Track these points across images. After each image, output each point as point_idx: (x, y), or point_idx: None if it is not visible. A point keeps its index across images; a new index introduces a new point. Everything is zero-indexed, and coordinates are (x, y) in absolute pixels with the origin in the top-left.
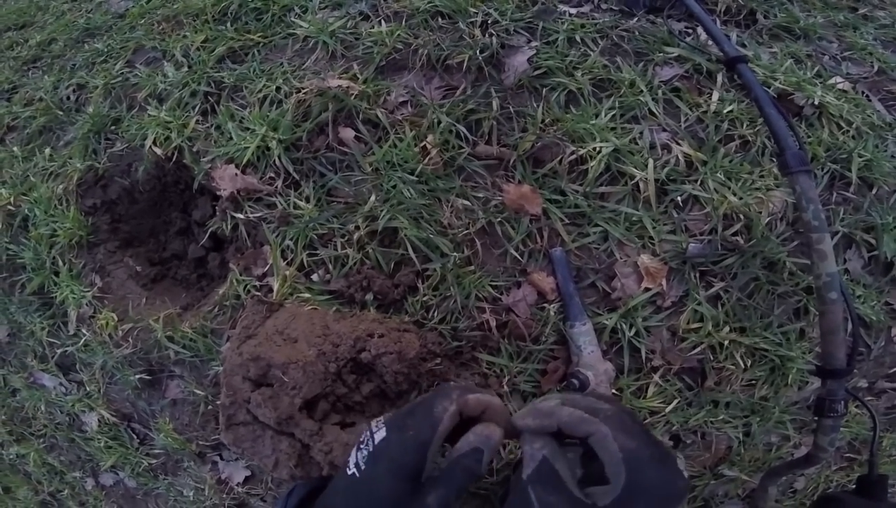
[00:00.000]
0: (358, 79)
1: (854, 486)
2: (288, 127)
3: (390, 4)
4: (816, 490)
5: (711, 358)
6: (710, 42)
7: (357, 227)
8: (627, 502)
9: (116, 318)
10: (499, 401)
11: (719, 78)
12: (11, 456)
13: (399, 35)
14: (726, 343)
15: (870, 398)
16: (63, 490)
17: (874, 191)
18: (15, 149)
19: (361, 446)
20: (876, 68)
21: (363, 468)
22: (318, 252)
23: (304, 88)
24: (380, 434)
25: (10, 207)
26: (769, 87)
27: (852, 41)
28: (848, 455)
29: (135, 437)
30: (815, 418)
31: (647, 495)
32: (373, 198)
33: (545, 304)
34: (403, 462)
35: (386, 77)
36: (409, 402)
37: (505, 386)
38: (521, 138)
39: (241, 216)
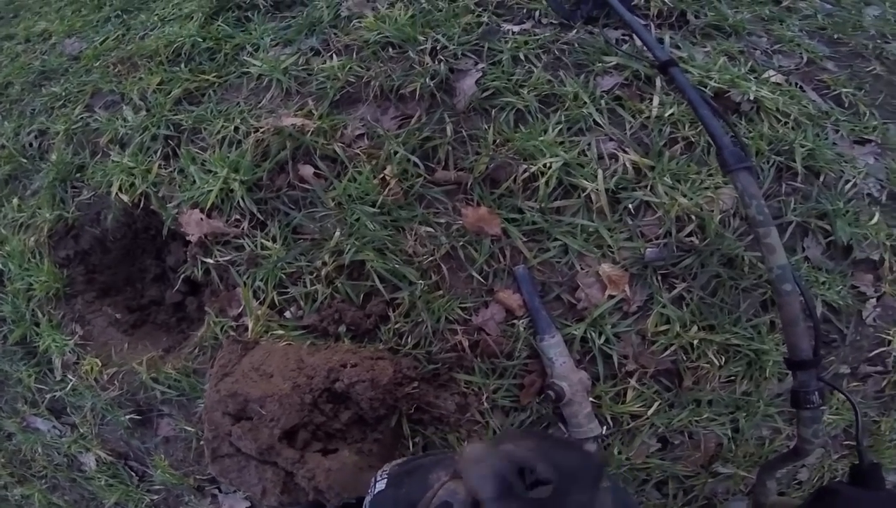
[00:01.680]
0: (313, 115)
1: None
2: (249, 167)
3: (340, 38)
4: (822, 479)
5: (684, 358)
6: (645, 48)
7: (324, 263)
8: (563, 488)
9: (101, 363)
10: None
11: (658, 82)
12: (16, 497)
13: (351, 68)
14: (696, 342)
15: (855, 384)
16: None
17: (821, 179)
18: None
19: (369, 491)
20: (805, 59)
21: None
22: (288, 290)
23: (261, 127)
24: (380, 486)
25: None
26: (705, 87)
27: (780, 34)
28: (846, 442)
29: (134, 475)
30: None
31: (578, 475)
32: (337, 232)
33: (514, 321)
34: None
35: (341, 111)
36: (415, 459)
37: (485, 403)
38: (475, 161)
39: (211, 261)
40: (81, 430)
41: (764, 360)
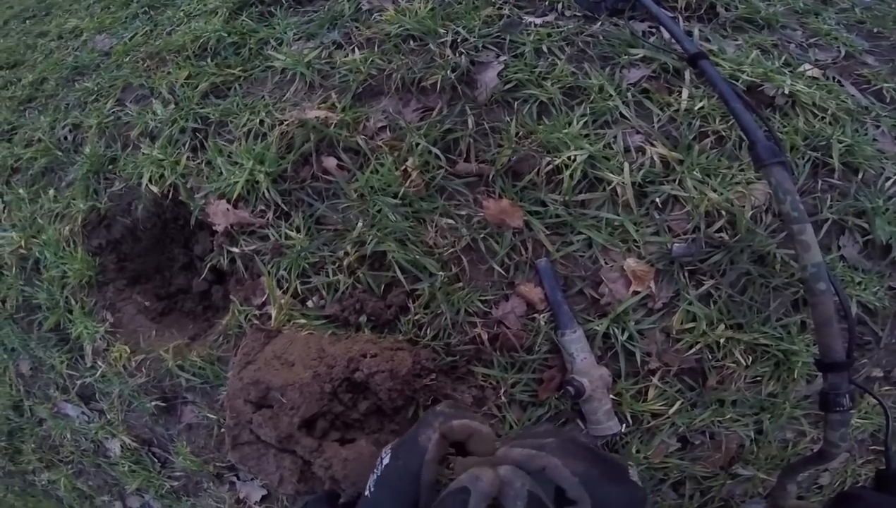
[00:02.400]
0: (336, 107)
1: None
2: (273, 159)
3: (362, 31)
4: (844, 484)
5: (710, 357)
6: (674, 40)
7: (347, 253)
8: None
9: (129, 350)
10: (485, 428)
11: (687, 75)
12: (43, 482)
13: (373, 61)
14: (723, 341)
15: (887, 387)
16: None
17: (860, 176)
18: (21, 191)
19: (375, 470)
20: (843, 53)
21: (373, 490)
22: (311, 279)
23: (285, 120)
24: (385, 461)
25: (21, 251)
26: (737, 80)
27: (816, 27)
28: (873, 447)
29: (156, 461)
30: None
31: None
32: (360, 223)
33: (535, 315)
34: (401, 488)
35: (363, 103)
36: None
37: (502, 397)
38: (497, 153)
39: (237, 250)
40: (109, 416)
41: (793, 361)
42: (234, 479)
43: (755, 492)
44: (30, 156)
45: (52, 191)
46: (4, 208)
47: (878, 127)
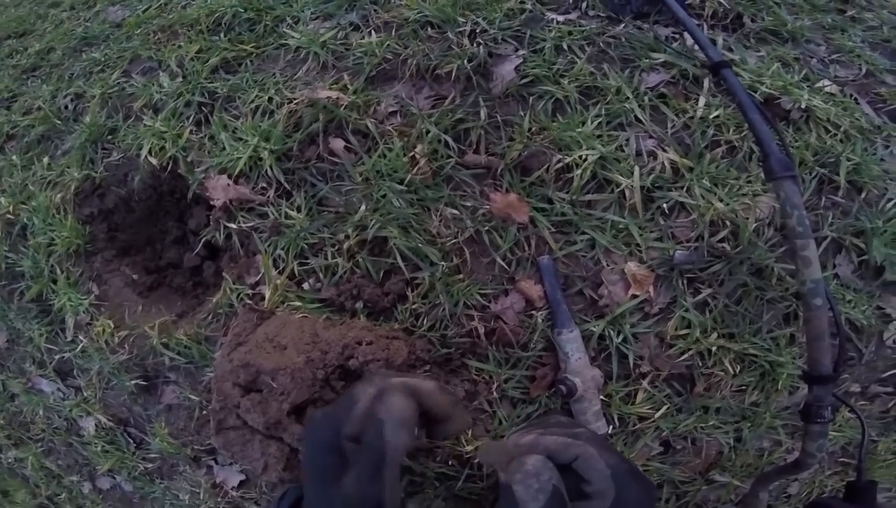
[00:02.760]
0: (348, 89)
1: (843, 493)
2: (279, 137)
3: (380, 15)
4: (811, 494)
5: (700, 363)
6: (696, 47)
7: (347, 237)
8: None
9: (113, 325)
10: (427, 384)
11: (706, 83)
12: (10, 460)
13: (389, 45)
14: (714, 349)
15: (862, 402)
16: (61, 494)
17: (863, 195)
18: (14, 157)
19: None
20: (864, 71)
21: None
22: (308, 261)
23: (295, 99)
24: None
25: (9, 216)
26: (756, 92)
27: (840, 43)
28: (842, 459)
29: (131, 441)
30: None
31: (631, 504)
32: (363, 207)
33: (533, 312)
34: (323, 438)
35: (376, 87)
36: None
37: (494, 393)
38: (508, 147)
39: (234, 226)
40: (85, 394)
41: (778, 372)
42: (212, 463)
43: (728, 499)
44: (27, 124)
45: (46, 159)
46: None
47: (887, 147)
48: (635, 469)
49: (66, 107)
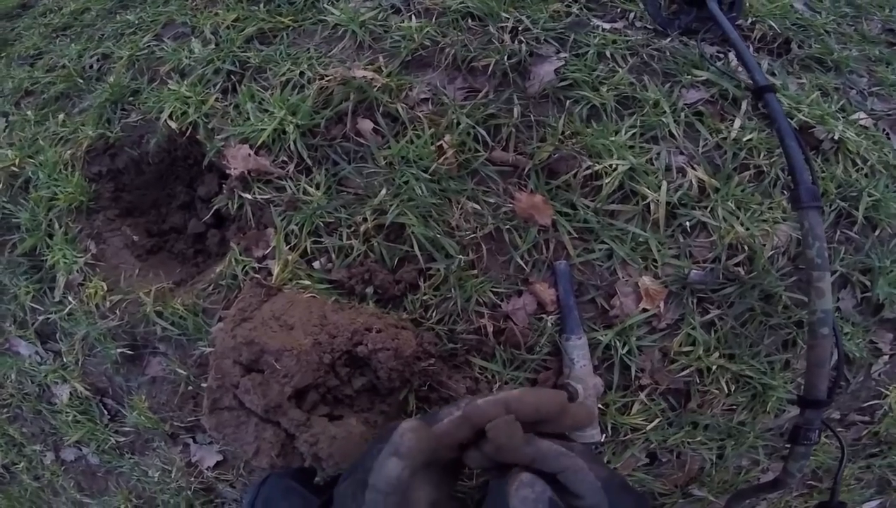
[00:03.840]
0: (382, 71)
1: None
2: (307, 112)
3: (423, 0)
4: None
5: (698, 380)
6: (739, 68)
7: (364, 219)
8: None
9: (106, 288)
10: (516, 393)
11: (744, 105)
12: None
13: (428, 32)
14: (714, 367)
15: (840, 429)
16: (19, 464)
17: (877, 233)
18: (29, 113)
19: None
20: None
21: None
22: (322, 240)
23: (327, 76)
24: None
25: (13, 168)
26: (792, 118)
27: (882, 76)
28: (810, 482)
29: (105, 413)
30: (788, 444)
31: None
32: (384, 191)
33: (543, 315)
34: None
35: (410, 72)
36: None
37: (495, 392)
38: (538, 148)
39: (249, 196)
40: (65, 359)
41: (769, 395)
42: (190, 441)
43: None
44: (48, 81)
45: (61, 116)
46: (6, 127)
47: None
48: (626, 483)
49: (91, 67)
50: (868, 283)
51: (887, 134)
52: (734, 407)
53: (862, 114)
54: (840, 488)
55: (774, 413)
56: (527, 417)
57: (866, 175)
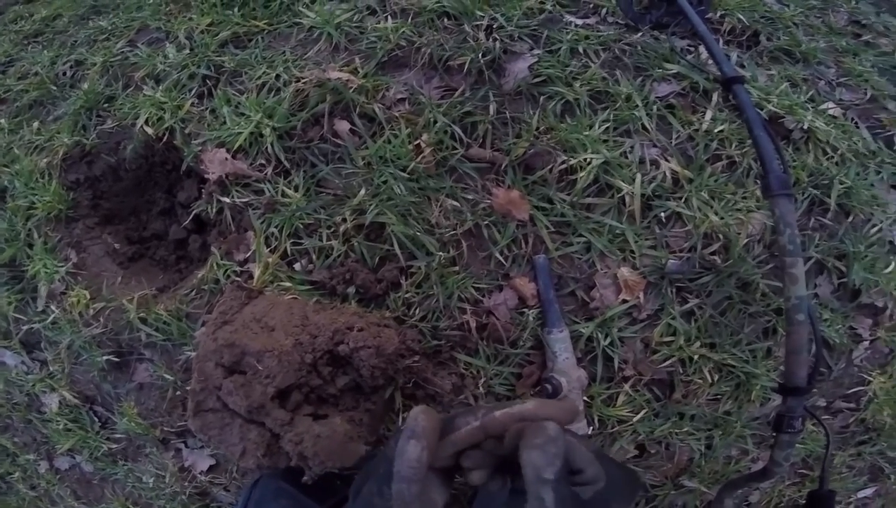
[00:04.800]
0: (358, 72)
1: (804, 501)
2: (283, 115)
3: (398, 1)
4: (770, 503)
5: (681, 371)
6: (709, 61)
7: (344, 220)
8: (605, 495)
9: (89, 296)
10: (529, 405)
11: (714, 97)
12: None
13: (404, 32)
14: (696, 357)
15: (826, 416)
16: (14, 473)
17: (850, 219)
18: (2, 121)
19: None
20: (868, 95)
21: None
22: (302, 241)
23: (303, 78)
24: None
25: None
26: (762, 109)
27: (850, 67)
28: (801, 471)
29: (96, 420)
30: (774, 433)
31: (624, 486)
32: (362, 191)
33: (525, 309)
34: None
35: (386, 73)
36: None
37: (480, 388)
38: (514, 144)
39: (228, 200)
40: (52, 368)
41: (752, 384)
42: (182, 446)
43: (694, 504)
44: (21, 89)
45: (36, 124)
46: None
47: (878, 173)
48: (612, 457)
49: (65, 74)
50: (844, 269)
51: (856, 123)
52: (719, 396)
53: (831, 104)
54: (829, 476)
55: (760, 401)
56: None
57: (837, 163)
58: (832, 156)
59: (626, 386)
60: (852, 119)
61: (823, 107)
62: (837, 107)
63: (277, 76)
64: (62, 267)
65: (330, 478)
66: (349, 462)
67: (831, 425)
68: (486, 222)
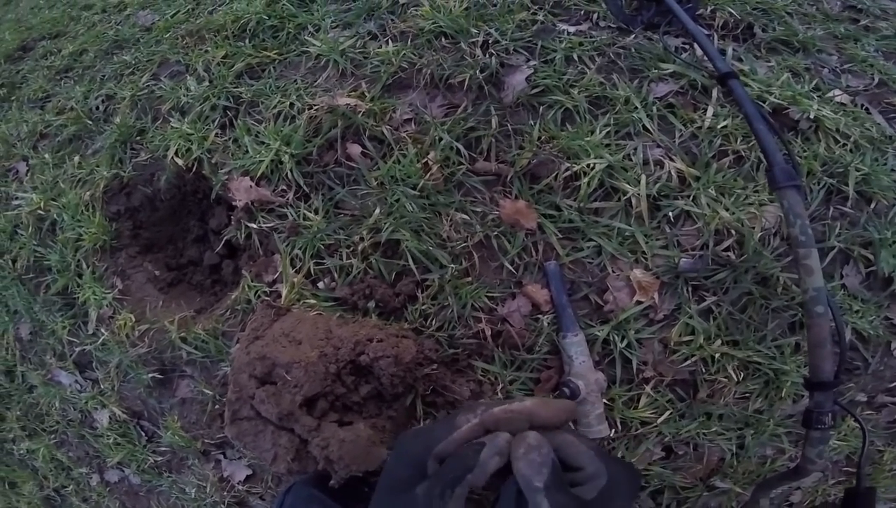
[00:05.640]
0: (365, 96)
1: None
2: (300, 142)
3: (397, 24)
4: (813, 503)
5: (703, 370)
6: (705, 58)
7: (362, 239)
8: (609, 492)
9: (134, 319)
10: (529, 404)
11: (714, 93)
12: (22, 451)
13: (405, 54)
14: (718, 355)
15: (869, 412)
16: (68, 486)
17: (872, 206)
18: (46, 155)
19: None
20: (877, 80)
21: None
22: (324, 261)
23: (315, 105)
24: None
25: (39, 212)
26: (764, 102)
27: (853, 53)
28: (846, 469)
29: (143, 434)
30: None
31: (624, 484)
32: (377, 211)
33: (539, 315)
34: (411, 451)
35: (392, 95)
36: None
37: (499, 394)
38: (518, 155)
39: (255, 226)
40: (102, 386)
41: (782, 380)
42: (221, 457)
43: (729, 506)
44: (60, 123)
45: (77, 158)
46: (28, 171)
47: None
48: (610, 453)
49: (98, 108)
50: (871, 257)
51: (867, 109)
52: (747, 395)
53: (837, 92)
54: (864, 473)
55: (792, 398)
56: (540, 425)
57: (850, 150)
58: (845, 144)
59: (648, 388)
60: (862, 105)
61: (830, 95)
62: (845, 94)
63: (291, 104)
64: (109, 293)
65: (357, 485)
66: (372, 466)
67: (875, 420)
68: (495, 233)
